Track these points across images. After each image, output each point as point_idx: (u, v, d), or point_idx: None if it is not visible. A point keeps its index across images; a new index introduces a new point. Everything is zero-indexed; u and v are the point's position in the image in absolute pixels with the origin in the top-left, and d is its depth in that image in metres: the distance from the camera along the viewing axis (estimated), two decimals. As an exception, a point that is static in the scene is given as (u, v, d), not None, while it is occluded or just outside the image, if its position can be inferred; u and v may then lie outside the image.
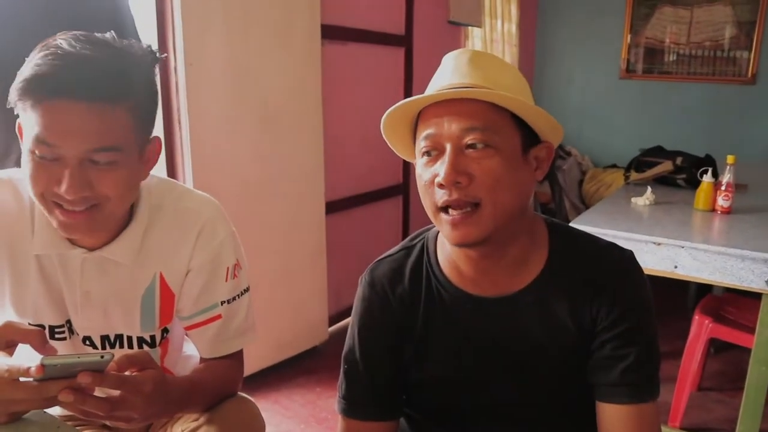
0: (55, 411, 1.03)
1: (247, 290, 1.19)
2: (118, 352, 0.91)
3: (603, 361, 0.97)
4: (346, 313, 3.34)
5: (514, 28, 4.79)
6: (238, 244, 1.18)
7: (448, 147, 0.89)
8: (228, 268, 1.14)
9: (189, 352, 1.35)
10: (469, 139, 0.88)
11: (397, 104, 0.93)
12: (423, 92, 0.96)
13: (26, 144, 0.93)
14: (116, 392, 0.87)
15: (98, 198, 0.95)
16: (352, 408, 1.04)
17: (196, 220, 1.11)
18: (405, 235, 3.84)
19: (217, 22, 2.34)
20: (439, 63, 1.01)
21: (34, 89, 0.89)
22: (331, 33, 2.95)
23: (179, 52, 2.25)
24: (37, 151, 0.91)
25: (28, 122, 0.91)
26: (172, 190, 1.14)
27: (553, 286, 0.99)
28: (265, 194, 2.66)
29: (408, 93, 3.66)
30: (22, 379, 0.83)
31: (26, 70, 0.90)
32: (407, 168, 3.71)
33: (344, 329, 3.24)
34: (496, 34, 4.60)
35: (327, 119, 2.94)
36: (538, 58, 5.48)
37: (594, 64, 5.22)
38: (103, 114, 0.91)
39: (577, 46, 5.30)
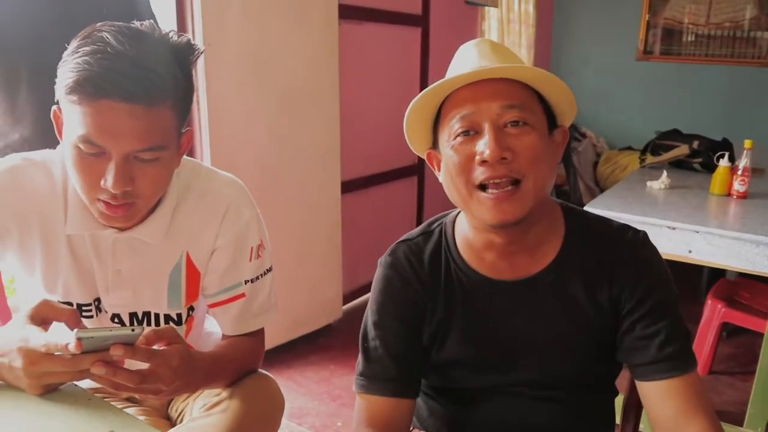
0: (86, 384, 1.07)
1: (269, 270, 1.22)
2: (146, 330, 0.94)
3: (636, 341, 0.98)
4: (360, 291, 3.38)
5: (531, 8, 4.75)
6: (262, 225, 1.20)
7: (487, 126, 0.91)
8: (252, 248, 1.17)
9: (210, 329, 1.38)
10: (509, 117, 0.91)
11: (438, 82, 0.93)
12: (441, 75, 0.97)
13: (70, 138, 0.95)
14: (145, 365, 0.90)
15: (137, 195, 0.98)
16: (370, 385, 1.05)
17: (222, 201, 1.14)
18: (419, 215, 3.86)
19: (235, 2, 2.34)
20: (456, 43, 1.03)
21: (84, 89, 0.90)
22: (348, 13, 2.94)
23: (198, 33, 2.26)
24: (82, 147, 0.93)
25: (73, 117, 0.93)
26: (198, 172, 1.17)
27: (569, 268, 1.01)
28: (281, 173, 2.68)
29: (424, 73, 3.65)
30: (56, 353, 0.87)
31: (74, 66, 0.90)
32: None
33: (358, 307, 3.31)
34: (513, 15, 4.56)
35: (343, 99, 2.94)
36: (555, 39, 5.43)
37: (611, 45, 5.17)
38: (149, 115, 0.93)
39: (594, 26, 5.24)
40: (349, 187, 3.15)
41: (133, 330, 0.86)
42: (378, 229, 3.47)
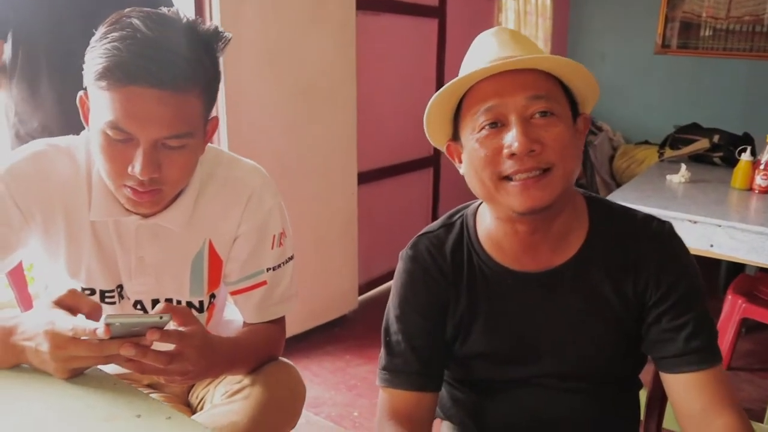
0: (109, 369, 1.07)
1: (291, 258, 1.22)
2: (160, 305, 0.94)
3: (663, 334, 0.97)
4: (376, 282, 3.38)
5: (548, 0, 4.71)
6: (285, 213, 1.20)
7: (513, 118, 0.89)
8: (274, 236, 1.17)
9: (229, 317, 1.38)
10: (536, 108, 0.89)
11: (461, 75, 0.92)
12: (458, 67, 0.96)
13: (97, 124, 0.94)
14: (171, 347, 0.91)
15: (164, 182, 0.98)
16: (393, 379, 1.04)
17: (245, 189, 1.14)
18: (435, 206, 3.85)
19: (254, -8, 2.34)
20: (472, 35, 1.01)
21: (113, 75, 0.90)
22: (365, 3, 2.93)
23: (215, 24, 2.26)
24: (110, 133, 0.93)
25: (101, 103, 0.93)
26: (221, 159, 1.17)
27: (593, 260, 0.99)
28: (298, 164, 2.68)
29: (441, 65, 3.63)
30: (83, 337, 0.87)
31: (103, 52, 0.90)
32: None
33: (374, 298, 3.31)
34: (529, 7, 4.52)
35: (360, 90, 2.94)
36: (572, 32, 5.38)
37: (629, 39, 5.10)
38: (177, 101, 0.93)
39: (611, 19, 5.18)
40: (365, 178, 3.15)
41: (161, 318, 0.87)
42: (394, 220, 3.47)
